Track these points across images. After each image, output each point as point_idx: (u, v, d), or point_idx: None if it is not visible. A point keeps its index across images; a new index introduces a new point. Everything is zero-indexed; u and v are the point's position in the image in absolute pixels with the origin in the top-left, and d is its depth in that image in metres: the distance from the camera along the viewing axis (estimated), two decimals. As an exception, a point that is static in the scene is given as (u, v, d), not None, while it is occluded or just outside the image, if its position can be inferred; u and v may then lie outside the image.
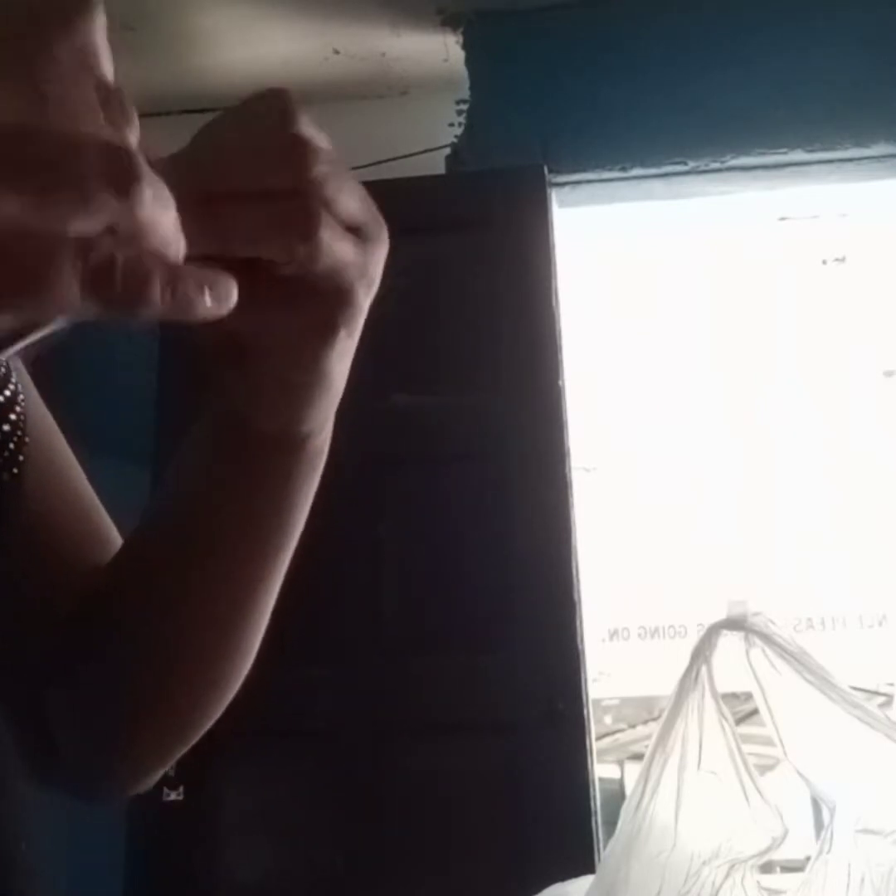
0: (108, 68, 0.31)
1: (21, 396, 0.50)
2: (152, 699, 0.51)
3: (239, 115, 0.39)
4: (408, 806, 2.53)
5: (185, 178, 0.33)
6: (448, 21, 3.06)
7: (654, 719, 4.65)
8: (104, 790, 0.55)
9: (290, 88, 0.40)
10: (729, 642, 1.37)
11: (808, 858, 1.33)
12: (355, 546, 2.69)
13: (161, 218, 0.30)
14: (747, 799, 1.28)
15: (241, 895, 2.56)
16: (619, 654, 5.95)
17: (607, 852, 1.35)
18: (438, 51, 3.11)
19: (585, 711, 2.53)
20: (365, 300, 0.47)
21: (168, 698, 0.51)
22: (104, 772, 0.54)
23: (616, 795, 4.97)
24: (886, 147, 2.86)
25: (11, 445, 0.48)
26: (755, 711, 1.38)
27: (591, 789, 2.48)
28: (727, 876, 1.25)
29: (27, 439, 0.49)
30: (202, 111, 3.31)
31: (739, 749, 1.30)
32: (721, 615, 1.39)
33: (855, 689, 1.35)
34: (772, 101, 2.88)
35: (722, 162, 2.90)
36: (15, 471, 0.48)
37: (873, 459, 5.85)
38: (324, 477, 0.60)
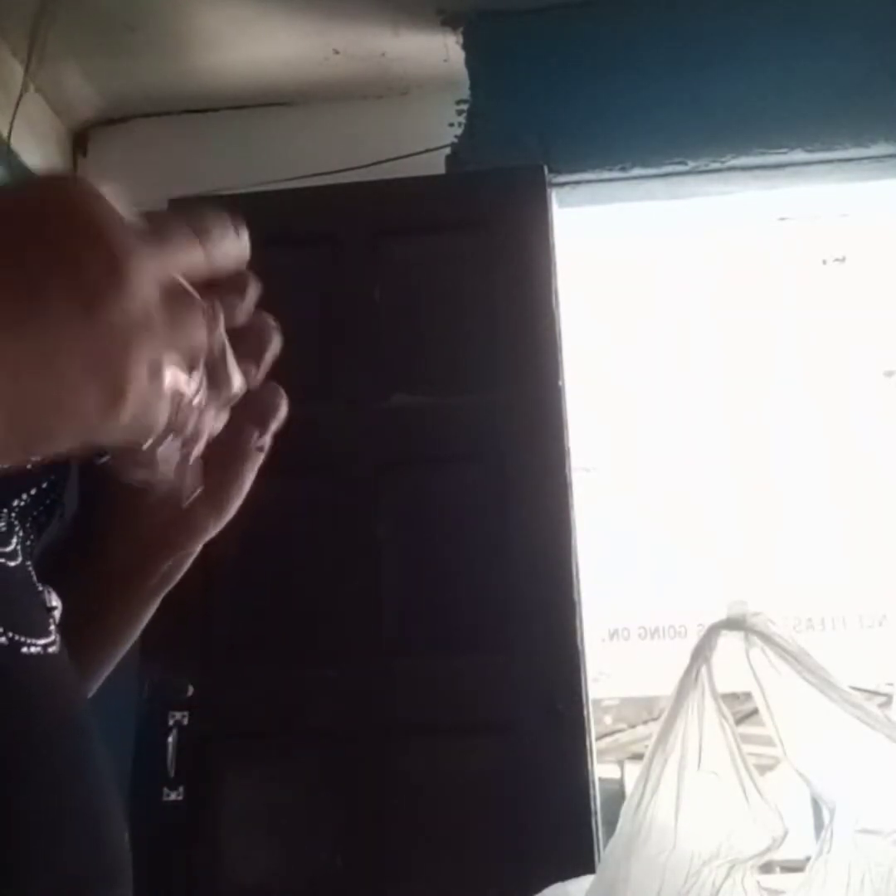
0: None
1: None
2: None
3: None
4: (408, 806, 2.53)
5: None
6: (448, 21, 3.05)
7: (654, 719, 4.64)
8: None
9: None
10: (729, 642, 1.37)
11: (808, 858, 1.33)
12: (355, 546, 2.69)
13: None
14: (747, 799, 1.28)
15: (241, 895, 2.56)
16: (619, 654, 5.96)
17: (607, 852, 1.35)
18: (438, 51, 3.11)
19: (585, 711, 2.53)
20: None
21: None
22: None
23: (616, 795, 4.97)
24: (886, 147, 2.86)
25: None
26: (755, 711, 1.38)
27: (591, 789, 2.48)
28: (727, 876, 1.25)
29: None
30: (202, 111, 3.32)
31: (739, 749, 1.30)
32: (721, 615, 1.39)
33: (855, 689, 1.35)
34: (772, 101, 2.88)
35: (722, 162, 2.90)
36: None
37: (874, 459, 5.85)
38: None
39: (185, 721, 2.57)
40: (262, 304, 0.53)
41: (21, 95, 3.04)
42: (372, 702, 2.60)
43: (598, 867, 1.38)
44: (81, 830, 0.51)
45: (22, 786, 0.49)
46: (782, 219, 3.57)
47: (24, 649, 0.54)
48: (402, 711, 2.59)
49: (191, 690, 2.59)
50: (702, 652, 1.35)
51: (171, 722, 2.57)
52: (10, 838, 0.46)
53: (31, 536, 0.64)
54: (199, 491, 0.55)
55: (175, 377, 0.43)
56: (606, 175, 2.95)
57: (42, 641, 0.56)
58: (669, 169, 2.93)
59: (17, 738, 0.50)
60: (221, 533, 0.66)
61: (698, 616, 4.86)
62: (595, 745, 2.57)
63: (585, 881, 1.38)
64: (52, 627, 0.59)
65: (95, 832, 0.52)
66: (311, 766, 2.61)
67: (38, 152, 3.19)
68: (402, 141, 3.03)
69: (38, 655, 0.55)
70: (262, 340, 0.53)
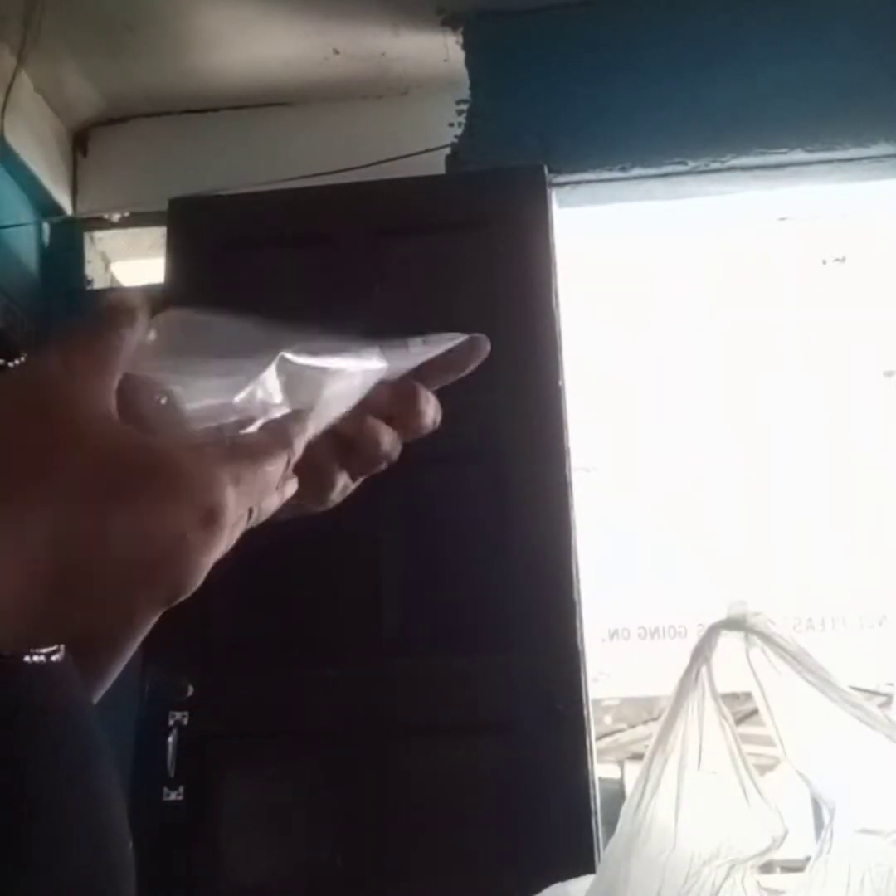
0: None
1: None
2: None
3: None
4: (408, 806, 2.53)
5: None
6: (448, 21, 3.05)
7: (654, 719, 4.64)
8: None
9: None
10: (729, 642, 1.37)
11: (808, 858, 1.32)
12: (355, 546, 2.69)
13: None
14: (747, 799, 1.28)
15: (241, 895, 2.56)
16: (619, 654, 5.95)
17: (607, 852, 1.35)
18: (438, 51, 3.11)
19: (585, 711, 2.53)
20: None
21: None
22: None
23: (616, 795, 4.96)
24: (886, 147, 2.86)
25: None
26: (755, 711, 1.38)
27: (591, 789, 2.48)
28: (727, 876, 1.25)
29: None
30: (202, 111, 3.32)
31: (739, 749, 1.30)
32: (721, 615, 1.39)
33: (855, 689, 1.35)
34: (772, 101, 2.88)
35: (722, 162, 2.90)
36: None
37: (873, 459, 5.85)
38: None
39: (185, 721, 2.57)
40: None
41: (12, 82, 3.02)
42: (372, 702, 2.60)
43: (598, 867, 1.39)
44: (84, 837, 0.52)
45: (25, 792, 0.50)
46: (782, 219, 3.57)
47: (27, 658, 0.55)
48: (402, 711, 2.59)
49: (191, 690, 2.59)
50: (702, 652, 1.35)
51: (171, 722, 2.57)
52: (13, 845, 0.47)
53: None
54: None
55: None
56: (606, 175, 2.95)
57: (46, 650, 0.57)
58: (669, 169, 2.93)
59: (20, 744, 0.51)
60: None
61: (698, 616, 4.85)
62: (595, 745, 2.57)
63: (585, 881, 1.38)
64: None
65: (99, 839, 0.53)
66: (311, 766, 2.61)
67: (38, 152, 3.19)
68: (402, 141, 3.03)
69: (41, 664, 0.56)
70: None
